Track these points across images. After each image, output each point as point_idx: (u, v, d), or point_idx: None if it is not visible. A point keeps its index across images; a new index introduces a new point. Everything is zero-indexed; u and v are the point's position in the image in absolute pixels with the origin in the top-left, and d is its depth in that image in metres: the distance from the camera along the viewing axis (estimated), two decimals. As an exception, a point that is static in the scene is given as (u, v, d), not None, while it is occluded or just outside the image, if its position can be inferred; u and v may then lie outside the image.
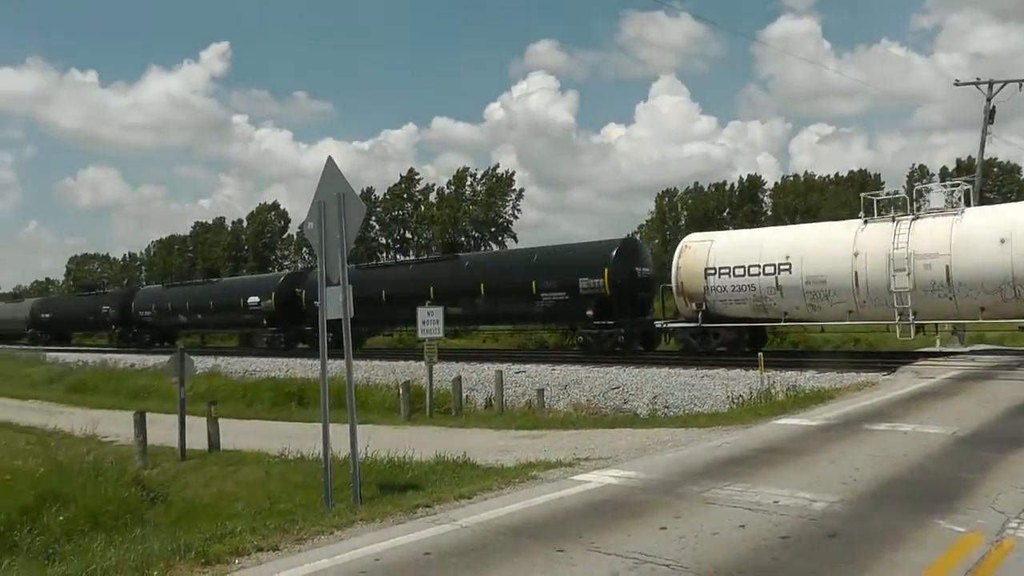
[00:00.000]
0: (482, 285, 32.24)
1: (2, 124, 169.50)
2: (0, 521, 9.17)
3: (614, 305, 28.60)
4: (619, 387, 22.12)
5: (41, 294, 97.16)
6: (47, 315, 67.42)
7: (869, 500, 7.69)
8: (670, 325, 28.73)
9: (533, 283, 30.19)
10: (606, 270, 28.52)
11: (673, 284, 27.19)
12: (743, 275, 25.26)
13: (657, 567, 5.84)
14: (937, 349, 26.36)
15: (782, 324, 26.23)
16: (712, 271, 25.91)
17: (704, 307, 26.13)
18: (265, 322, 43.76)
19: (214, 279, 58.28)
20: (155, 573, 6.50)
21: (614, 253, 29.21)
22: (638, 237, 57.65)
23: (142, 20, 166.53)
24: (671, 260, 28.21)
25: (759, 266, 24.98)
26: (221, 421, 16.54)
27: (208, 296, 49.00)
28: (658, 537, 6.63)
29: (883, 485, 8.33)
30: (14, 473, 11.36)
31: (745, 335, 26.32)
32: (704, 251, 26.54)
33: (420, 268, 38.32)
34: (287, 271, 51.60)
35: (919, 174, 70.98)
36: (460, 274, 34.22)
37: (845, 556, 6.02)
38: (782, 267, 24.43)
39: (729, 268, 25.58)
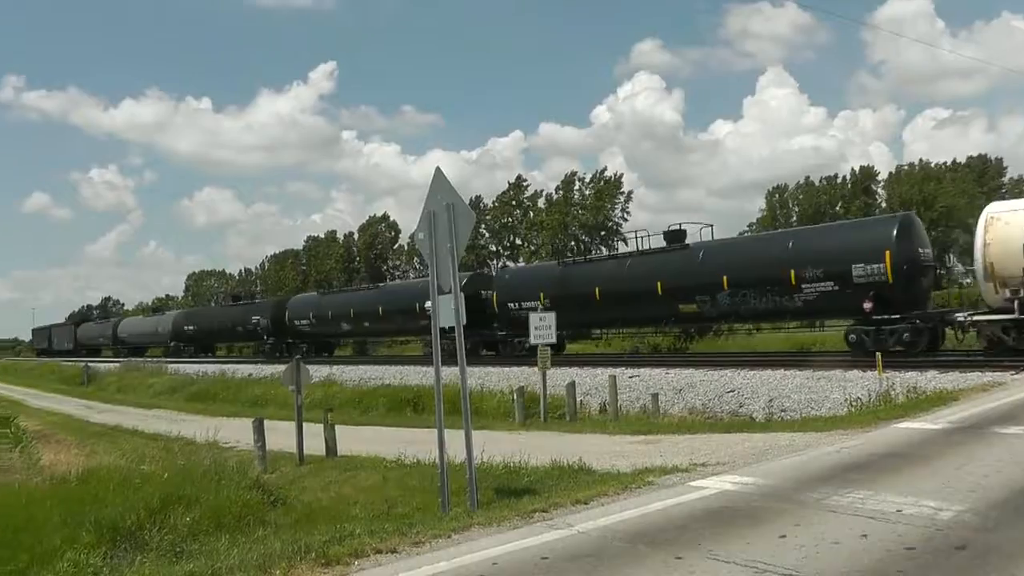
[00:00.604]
0: (724, 278, 28.00)
1: (124, 152, 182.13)
2: (131, 521, 9.61)
3: (897, 295, 24.10)
4: (734, 391, 21.77)
5: (158, 311, 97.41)
6: (191, 327, 66.68)
7: (1000, 510, 7.36)
8: (977, 317, 23.24)
9: (791, 273, 25.87)
10: (887, 253, 23.94)
11: (979, 266, 22.74)
12: None
13: (777, 576, 5.76)
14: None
15: None
16: None
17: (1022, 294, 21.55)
18: (445, 328, 41.44)
19: (380, 284, 56.09)
20: (277, 572, 6.72)
21: (895, 232, 24.49)
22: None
23: (252, 47, 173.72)
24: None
25: (1098, 239, 19.99)
26: (337, 427, 16.92)
27: (376, 302, 46.38)
28: (777, 546, 6.54)
29: (1015, 493, 7.98)
30: (142, 477, 11.92)
31: None
32: (1019, 222, 21.87)
33: (641, 261, 33.05)
34: (473, 271, 46.63)
35: (1044, 155, 68.09)
36: (692, 266, 29.79)
37: (975, 570, 5.80)
38: None
39: (1057, 243, 20.39)
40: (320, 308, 51.10)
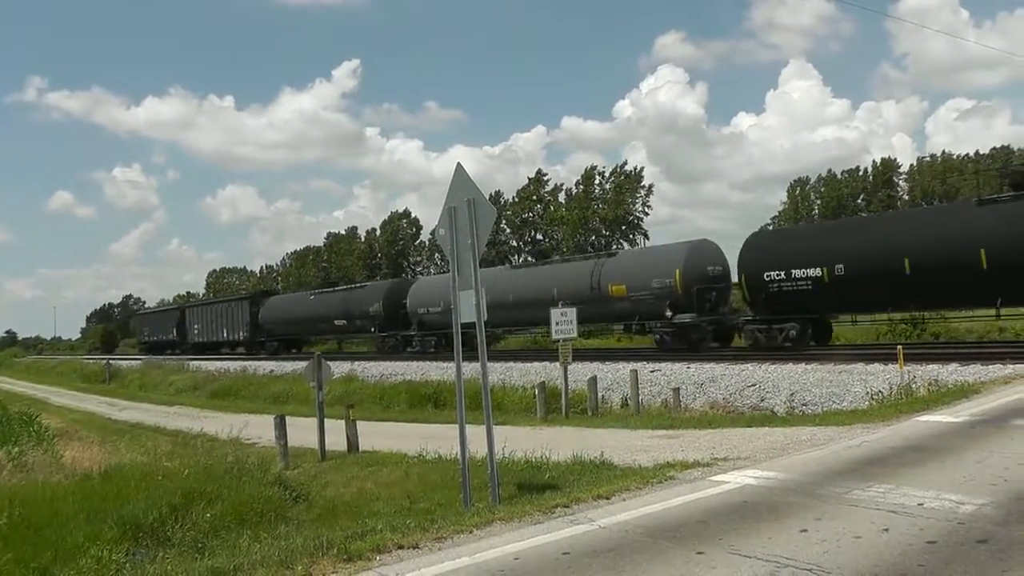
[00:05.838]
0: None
1: (148, 151, 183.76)
2: (153, 517, 9.65)
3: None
4: (755, 385, 21.72)
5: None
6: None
7: (1021, 503, 7.33)
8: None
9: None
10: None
11: None
12: None
13: (799, 571, 5.77)
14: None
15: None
16: None
17: None
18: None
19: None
20: (299, 568, 6.72)
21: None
22: (771, 228, 56.67)
23: (275, 46, 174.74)
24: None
25: None
26: (359, 423, 16.93)
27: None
28: (799, 540, 6.54)
29: (1037, 486, 7.95)
30: (165, 473, 12.01)
31: None
32: None
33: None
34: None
35: (1068, 146, 67.38)
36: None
37: (997, 563, 5.76)
38: None
39: None
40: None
